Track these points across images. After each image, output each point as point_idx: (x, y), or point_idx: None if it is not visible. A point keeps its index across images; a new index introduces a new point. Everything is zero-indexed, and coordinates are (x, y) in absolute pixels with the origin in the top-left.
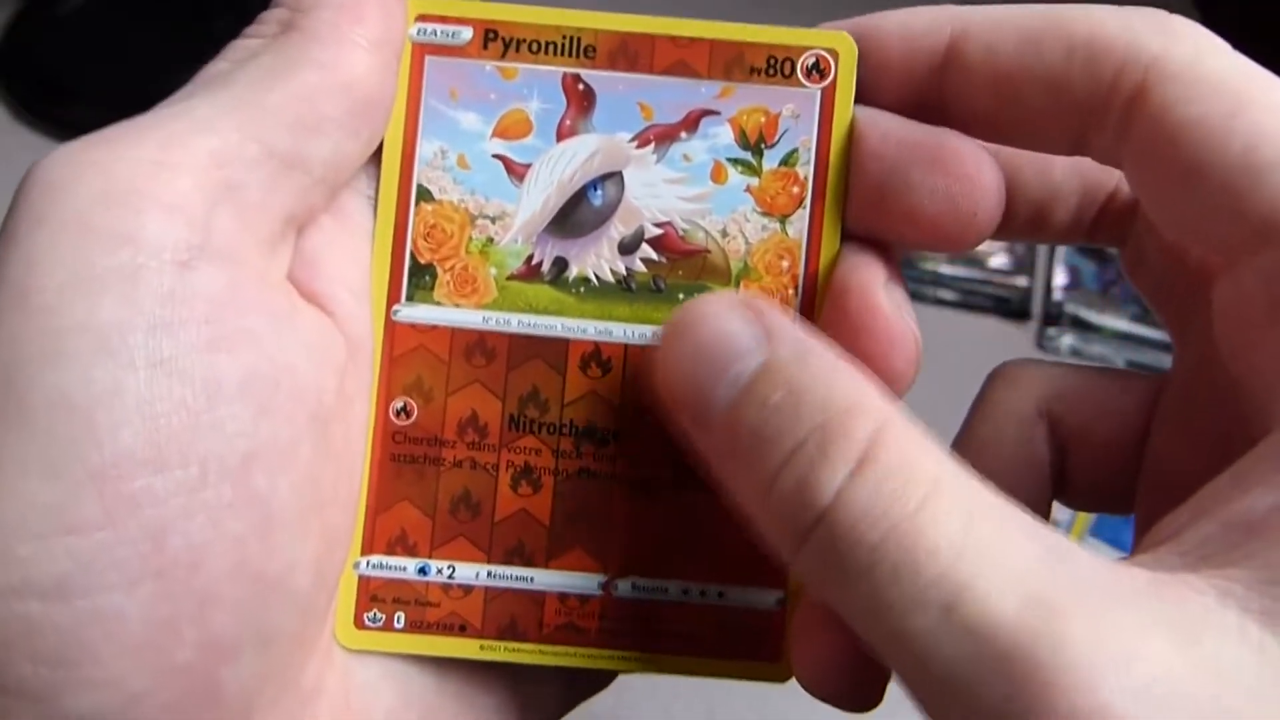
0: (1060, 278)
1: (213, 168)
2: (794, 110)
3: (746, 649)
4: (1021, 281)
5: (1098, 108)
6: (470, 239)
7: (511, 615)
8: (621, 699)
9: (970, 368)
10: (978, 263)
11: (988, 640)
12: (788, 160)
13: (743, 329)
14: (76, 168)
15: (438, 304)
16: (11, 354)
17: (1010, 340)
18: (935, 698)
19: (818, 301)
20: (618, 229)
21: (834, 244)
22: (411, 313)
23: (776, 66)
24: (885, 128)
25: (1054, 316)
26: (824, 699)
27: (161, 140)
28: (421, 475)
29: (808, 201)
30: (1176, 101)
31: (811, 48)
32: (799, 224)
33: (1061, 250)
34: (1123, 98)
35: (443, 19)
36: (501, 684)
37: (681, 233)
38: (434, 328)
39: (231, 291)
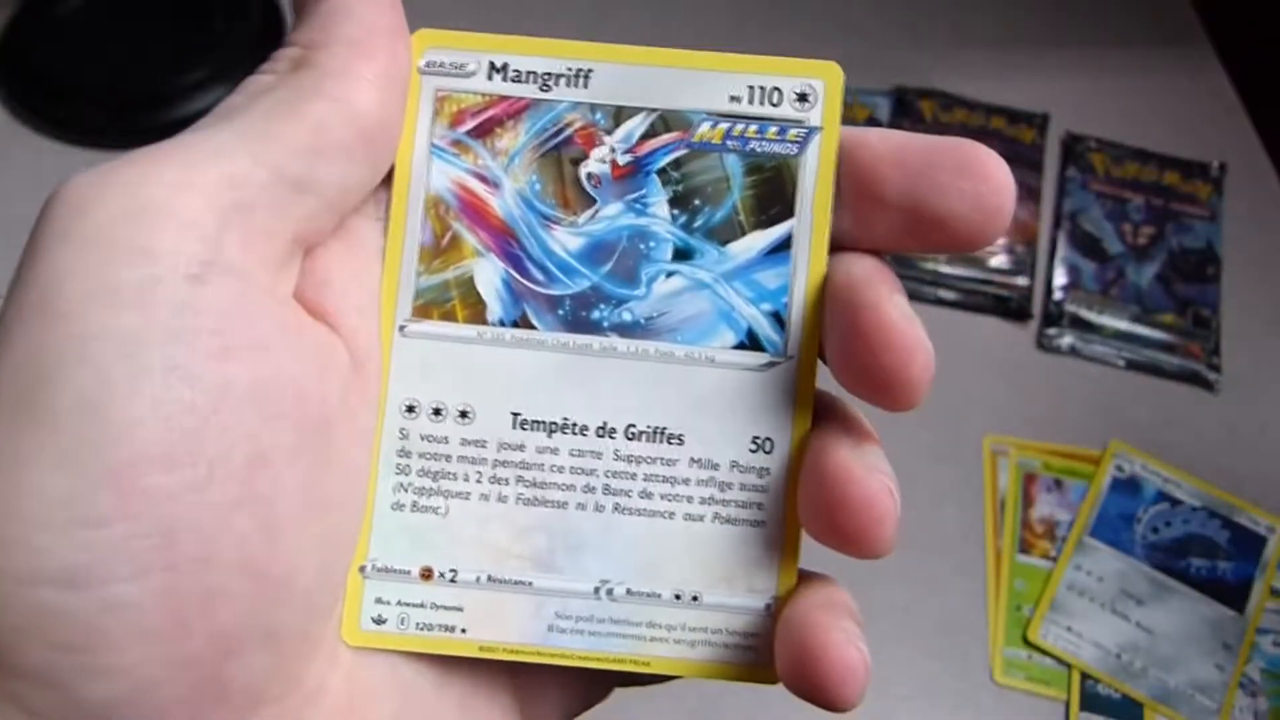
0: (1060, 278)
1: (225, 190)
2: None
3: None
4: (1021, 281)
5: None
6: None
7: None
8: (617, 702)
9: (970, 368)
10: (978, 263)
11: None
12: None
13: None
14: (99, 188)
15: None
16: (38, 358)
17: (1010, 340)
18: None
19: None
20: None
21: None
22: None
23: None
24: (899, 140)
25: (1054, 316)
26: (805, 698)
27: (179, 164)
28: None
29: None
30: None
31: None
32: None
33: (1061, 250)
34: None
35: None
36: (502, 690)
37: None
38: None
39: (239, 304)
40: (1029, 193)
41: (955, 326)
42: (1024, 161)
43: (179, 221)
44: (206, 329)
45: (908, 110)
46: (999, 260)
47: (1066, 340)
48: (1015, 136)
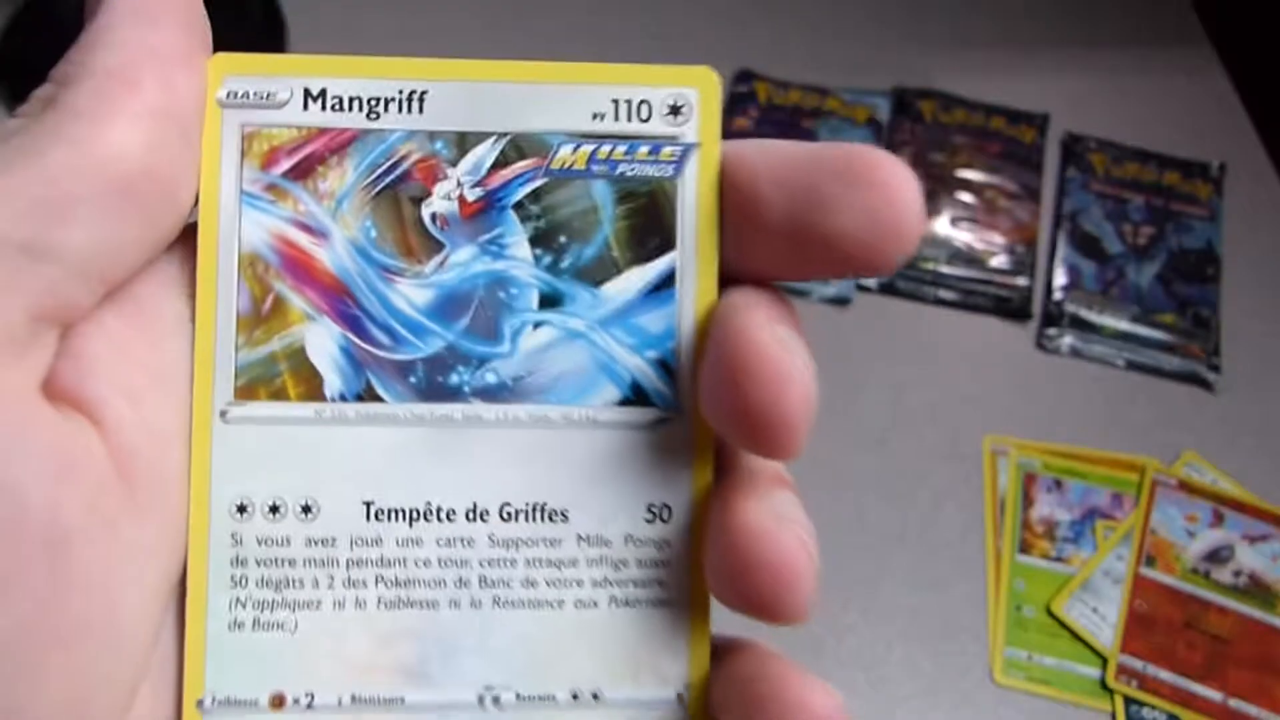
0: (1060, 278)
1: None
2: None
3: None
4: (1021, 281)
5: None
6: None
7: None
8: None
9: (970, 368)
10: (978, 263)
11: None
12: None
13: None
14: None
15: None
16: None
17: (1010, 340)
18: None
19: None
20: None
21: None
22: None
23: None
24: (781, 153)
25: (1054, 316)
26: None
27: None
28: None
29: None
30: None
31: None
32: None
33: (1061, 250)
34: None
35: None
36: None
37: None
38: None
39: None
40: (1029, 193)
41: (955, 326)
42: (1024, 161)
43: None
44: None
45: (908, 110)
46: (999, 260)
47: (1066, 340)
48: (1015, 136)
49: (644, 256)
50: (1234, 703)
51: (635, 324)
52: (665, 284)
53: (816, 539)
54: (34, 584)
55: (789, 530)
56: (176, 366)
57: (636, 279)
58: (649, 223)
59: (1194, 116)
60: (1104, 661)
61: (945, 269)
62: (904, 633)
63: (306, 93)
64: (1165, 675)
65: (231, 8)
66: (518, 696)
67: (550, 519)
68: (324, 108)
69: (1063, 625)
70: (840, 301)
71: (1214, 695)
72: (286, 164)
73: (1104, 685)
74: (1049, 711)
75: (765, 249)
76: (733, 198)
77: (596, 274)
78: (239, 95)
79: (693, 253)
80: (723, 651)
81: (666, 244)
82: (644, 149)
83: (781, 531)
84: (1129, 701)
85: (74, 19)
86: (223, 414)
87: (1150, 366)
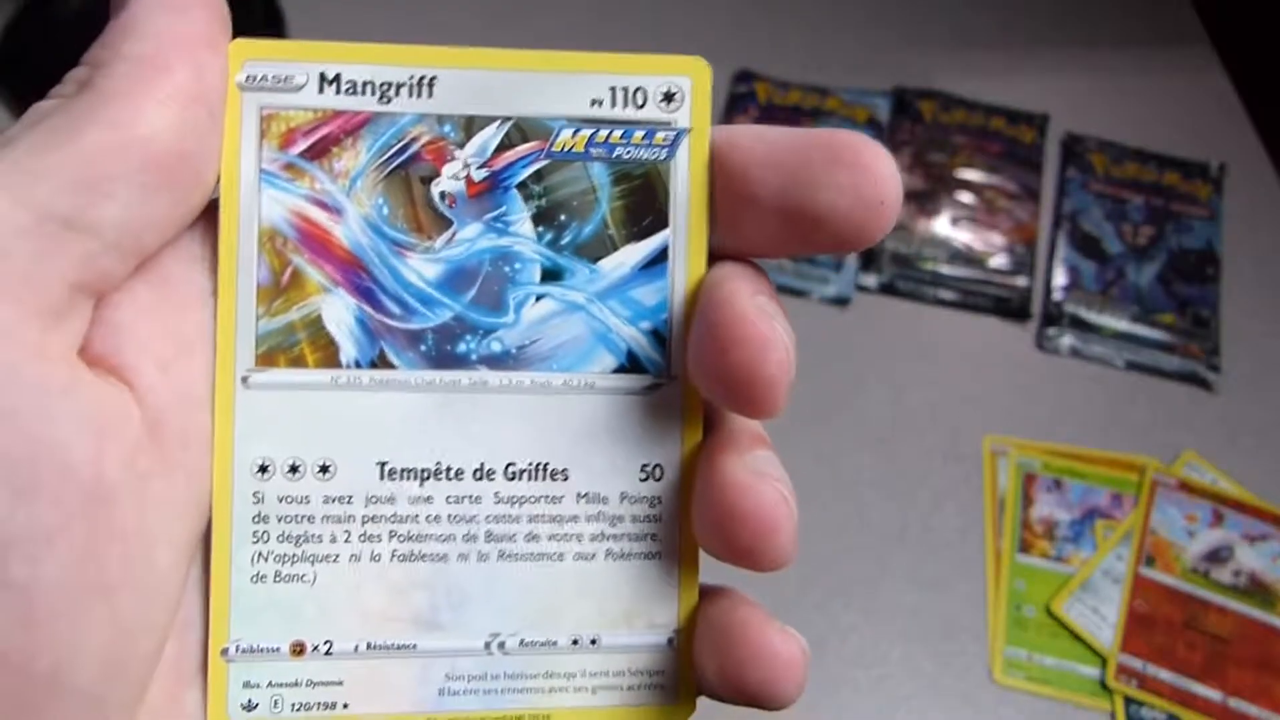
0: (1060, 278)
1: None
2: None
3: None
4: (1021, 281)
5: None
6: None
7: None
8: None
9: (970, 368)
10: (978, 263)
11: None
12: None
13: None
14: None
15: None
16: None
17: (1010, 340)
18: None
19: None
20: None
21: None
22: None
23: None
24: (772, 138)
25: (1054, 316)
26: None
27: None
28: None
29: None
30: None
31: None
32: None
33: (1061, 250)
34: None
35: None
36: None
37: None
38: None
39: None
40: (1029, 193)
41: (955, 326)
42: (1024, 161)
43: None
44: None
45: (908, 110)
46: (999, 260)
47: (1066, 340)
48: (1015, 136)
49: (638, 234)
50: (1234, 703)
51: (630, 297)
52: (658, 260)
53: (795, 493)
54: (77, 537)
55: (768, 484)
56: (201, 335)
57: (631, 255)
58: (643, 203)
59: (1194, 116)
60: (1104, 661)
61: (945, 269)
62: (904, 633)
63: (322, 77)
64: (1165, 675)
65: (232, 7)
66: (521, 642)
67: (552, 478)
68: (338, 91)
69: (1063, 625)
70: (840, 301)
71: (1214, 695)
72: (303, 144)
73: (1104, 685)
74: (1049, 711)
75: (757, 226)
76: (727, 179)
77: (594, 250)
78: (258, 79)
79: (684, 231)
80: (703, 597)
81: (660, 223)
82: (639, 133)
83: (761, 485)
84: (1129, 701)
85: (74, 19)
86: (244, 380)
87: (1150, 366)
